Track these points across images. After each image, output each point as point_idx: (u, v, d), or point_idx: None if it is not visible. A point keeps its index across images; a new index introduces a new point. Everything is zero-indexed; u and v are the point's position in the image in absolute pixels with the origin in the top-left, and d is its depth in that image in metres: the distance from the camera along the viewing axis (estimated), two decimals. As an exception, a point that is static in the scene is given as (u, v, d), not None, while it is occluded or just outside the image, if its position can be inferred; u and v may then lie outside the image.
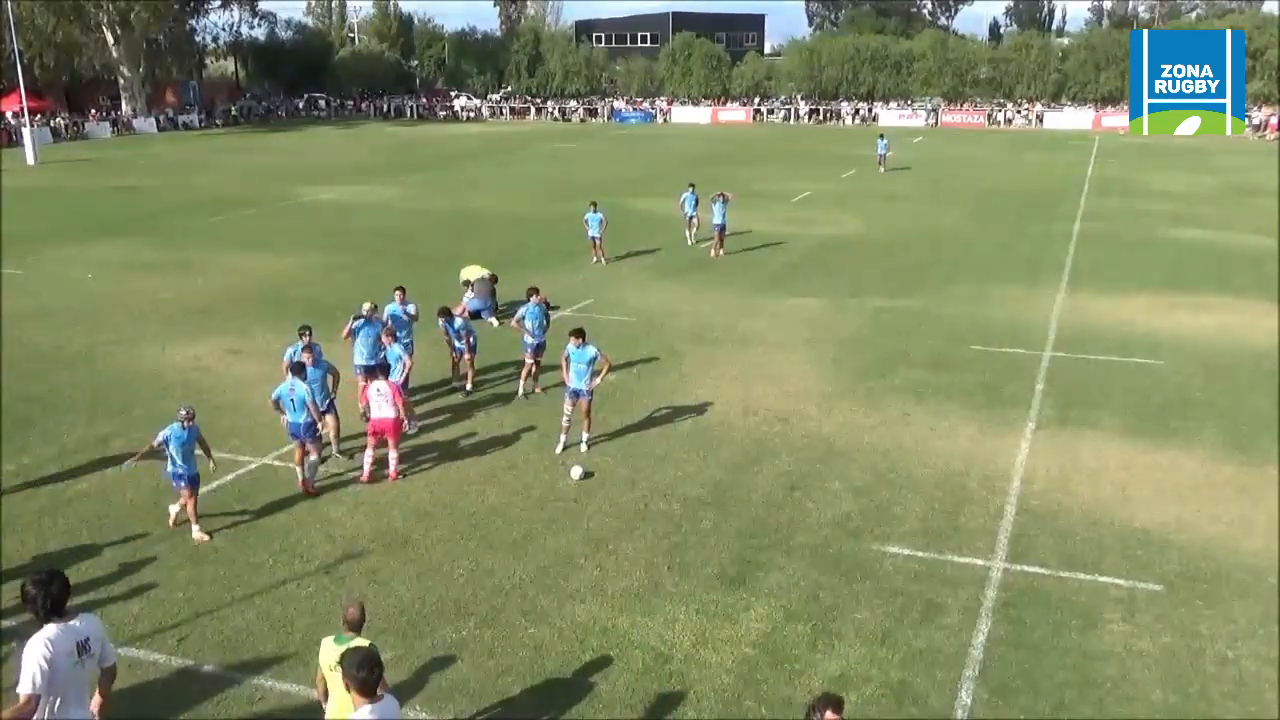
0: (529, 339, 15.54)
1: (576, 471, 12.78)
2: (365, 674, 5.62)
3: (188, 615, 9.73)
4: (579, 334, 13.33)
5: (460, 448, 13.78)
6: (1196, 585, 10.22)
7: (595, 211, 24.91)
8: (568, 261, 25.18)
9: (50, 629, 5.97)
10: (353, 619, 7.12)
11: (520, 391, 15.74)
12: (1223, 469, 13.08)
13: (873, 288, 22.81)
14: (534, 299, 15.65)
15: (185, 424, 11.09)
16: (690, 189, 27.56)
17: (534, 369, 15.69)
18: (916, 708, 8.41)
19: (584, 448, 13.50)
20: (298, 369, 12.48)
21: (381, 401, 12.41)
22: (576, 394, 13.30)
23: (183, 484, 11.08)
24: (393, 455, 12.67)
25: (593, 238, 25.00)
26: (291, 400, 12.11)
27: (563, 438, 13.51)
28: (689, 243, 27.17)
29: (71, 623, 6.07)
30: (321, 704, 7.14)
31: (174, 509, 11.44)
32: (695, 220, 27.26)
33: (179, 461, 11.03)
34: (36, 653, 5.87)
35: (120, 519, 11.69)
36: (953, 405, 15.27)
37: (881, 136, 46.15)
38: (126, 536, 11.27)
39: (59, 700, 5.97)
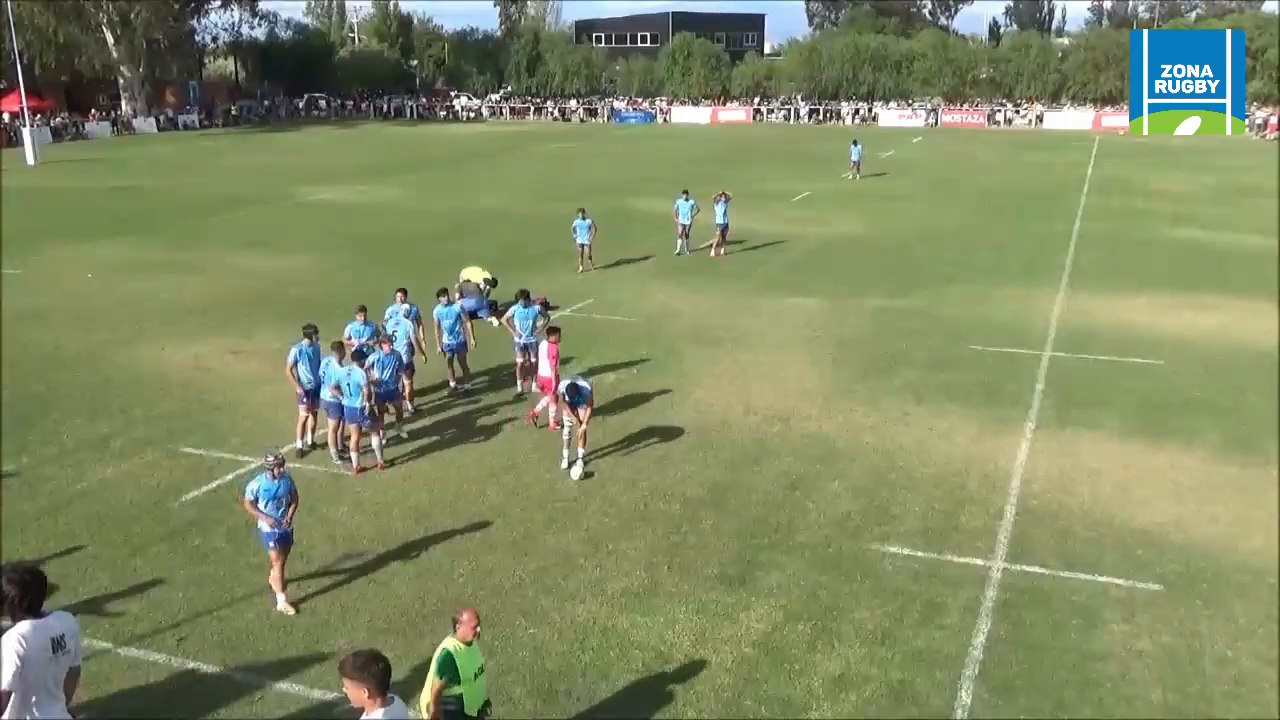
0: (518, 339, 15.54)
1: (576, 471, 12.77)
2: (378, 670, 5.46)
3: (188, 615, 9.72)
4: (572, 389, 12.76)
5: (460, 448, 13.78)
6: (1196, 585, 10.22)
7: (584, 218, 24.00)
8: (568, 261, 25.12)
9: (24, 625, 5.97)
10: (462, 625, 7.06)
11: (518, 389, 15.75)
12: (1223, 469, 13.07)
13: (873, 288, 22.81)
14: (522, 300, 15.63)
15: (275, 473, 9.61)
16: (684, 195, 26.23)
17: (526, 365, 15.70)
18: (916, 708, 8.41)
19: (577, 468, 12.94)
20: (358, 355, 12.96)
21: (545, 362, 13.87)
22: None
23: (272, 544, 9.62)
24: (551, 408, 13.87)
25: (581, 245, 24.08)
26: (348, 385, 12.64)
27: (565, 452, 13.13)
28: (677, 252, 25.98)
29: (46, 620, 6.08)
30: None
31: (280, 599, 9.81)
32: (688, 228, 25.88)
33: (270, 515, 9.62)
34: (10, 649, 5.88)
35: (120, 519, 11.69)
36: (953, 405, 15.27)
37: (855, 142, 43.19)
38: (126, 536, 11.26)
39: (35, 696, 5.98)
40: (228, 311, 20.84)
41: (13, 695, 5.90)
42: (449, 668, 6.95)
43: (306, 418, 13.49)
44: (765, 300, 21.68)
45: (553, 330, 14.13)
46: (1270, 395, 15.58)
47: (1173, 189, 38.65)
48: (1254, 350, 17.95)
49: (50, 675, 6.08)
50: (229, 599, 9.99)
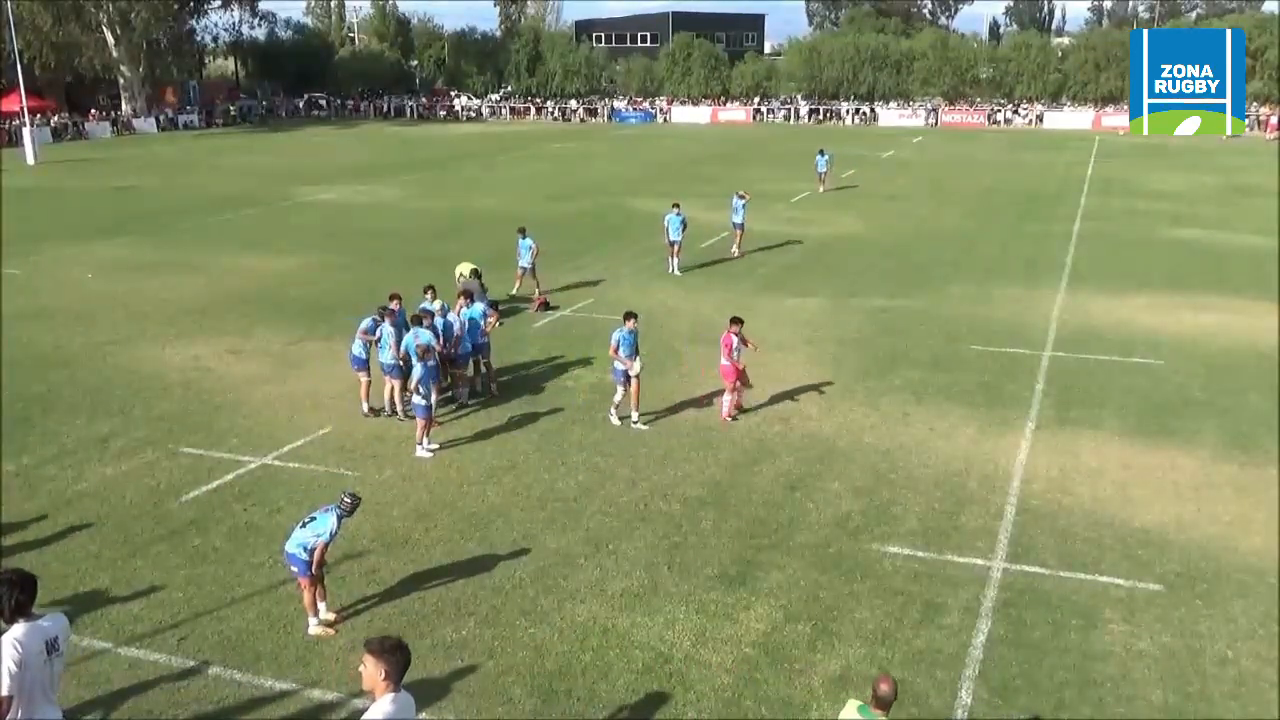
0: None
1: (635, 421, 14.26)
2: (401, 658, 5.55)
3: (188, 615, 9.73)
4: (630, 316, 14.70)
5: (460, 448, 13.78)
6: (1196, 585, 10.22)
7: (524, 238, 21.60)
8: (568, 261, 25.14)
9: (18, 628, 5.95)
10: (885, 695, 6.30)
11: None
12: (1223, 469, 13.08)
13: (873, 288, 22.81)
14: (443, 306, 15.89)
15: (347, 513, 9.42)
16: (675, 209, 24.03)
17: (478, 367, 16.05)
18: (916, 708, 8.41)
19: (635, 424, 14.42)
20: (417, 320, 14.32)
21: (730, 352, 14.55)
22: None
23: (309, 573, 9.31)
24: (728, 398, 14.69)
25: (522, 268, 21.72)
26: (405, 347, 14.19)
27: (614, 410, 14.57)
28: (672, 271, 24.00)
29: (39, 622, 6.07)
30: None
31: (313, 623, 9.52)
32: (678, 245, 23.92)
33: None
34: (6, 654, 5.85)
35: (120, 519, 11.69)
36: (953, 405, 15.27)
37: (821, 152, 38.80)
38: (126, 536, 11.26)
39: (30, 700, 5.95)
40: (228, 311, 20.84)
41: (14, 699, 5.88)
42: None
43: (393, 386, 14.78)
44: (765, 300, 21.68)
45: (735, 320, 14.73)
46: (1270, 395, 15.58)
47: (1173, 189, 38.65)
48: (1254, 350, 17.95)
49: (47, 677, 6.06)
50: (229, 599, 10.00)
